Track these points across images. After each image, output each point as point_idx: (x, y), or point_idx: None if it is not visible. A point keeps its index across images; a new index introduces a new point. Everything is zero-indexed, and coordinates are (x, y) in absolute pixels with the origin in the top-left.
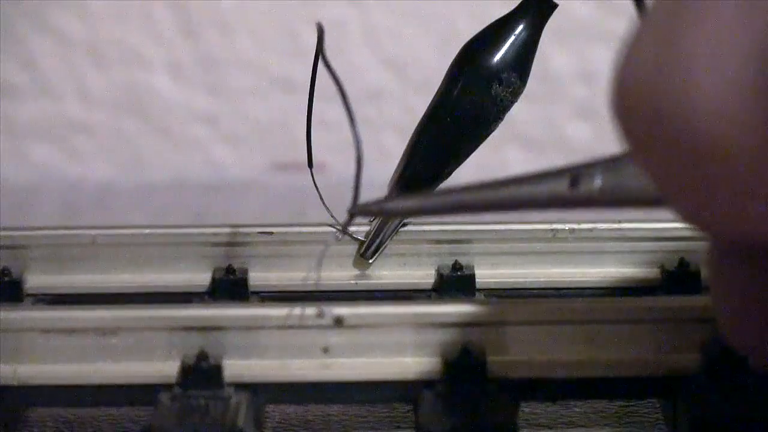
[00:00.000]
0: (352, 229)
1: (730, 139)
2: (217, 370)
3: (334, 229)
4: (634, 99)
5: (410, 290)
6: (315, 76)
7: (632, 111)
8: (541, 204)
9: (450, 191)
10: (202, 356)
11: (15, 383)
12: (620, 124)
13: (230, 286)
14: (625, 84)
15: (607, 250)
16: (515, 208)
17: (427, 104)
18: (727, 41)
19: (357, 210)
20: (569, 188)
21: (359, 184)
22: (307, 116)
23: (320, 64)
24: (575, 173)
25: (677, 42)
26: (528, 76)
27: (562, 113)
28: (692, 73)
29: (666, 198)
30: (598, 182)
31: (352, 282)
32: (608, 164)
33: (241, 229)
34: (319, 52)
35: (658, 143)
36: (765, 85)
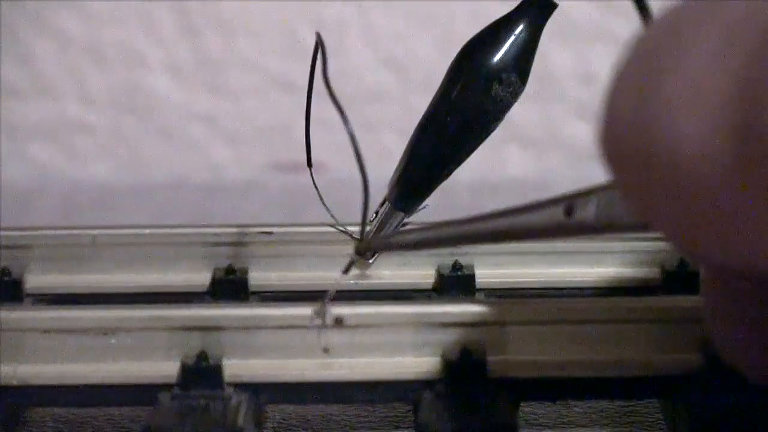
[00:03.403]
0: (350, 228)
1: (712, 178)
2: (217, 370)
3: (333, 229)
4: (621, 139)
5: (410, 290)
6: (312, 84)
7: (619, 151)
8: (539, 233)
9: (451, 223)
10: (202, 356)
11: (15, 383)
12: (608, 163)
13: (230, 286)
14: (611, 124)
15: (607, 250)
16: (514, 238)
17: (427, 104)
18: (706, 84)
19: (363, 246)
20: (564, 217)
21: (366, 217)
22: (306, 117)
23: (320, 71)
24: (570, 203)
25: (659, 85)
26: (528, 76)
27: (562, 113)
28: (674, 115)
29: (656, 230)
30: (592, 211)
31: (352, 282)
32: (602, 192)
33: (241, 229)
34: (314, 63)
35: (645, 182)
36: (743, 126)
